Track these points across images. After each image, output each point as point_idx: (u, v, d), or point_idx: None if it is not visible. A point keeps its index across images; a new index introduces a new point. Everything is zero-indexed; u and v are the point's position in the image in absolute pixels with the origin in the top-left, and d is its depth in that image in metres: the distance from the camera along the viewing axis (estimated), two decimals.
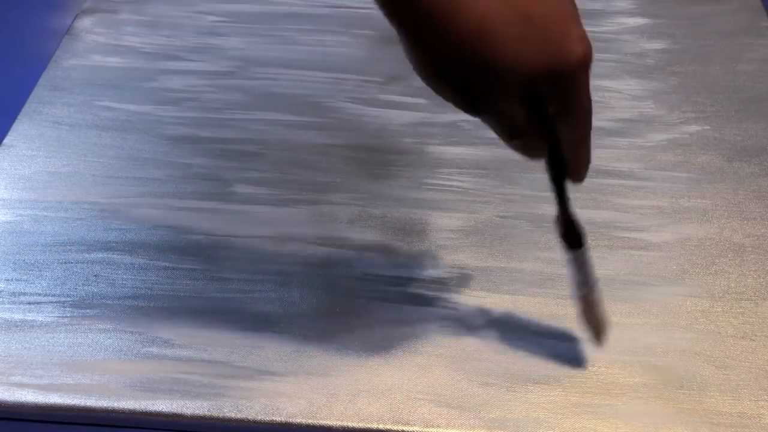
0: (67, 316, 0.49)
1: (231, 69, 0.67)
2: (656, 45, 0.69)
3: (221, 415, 0.44)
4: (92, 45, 0.68)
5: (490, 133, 0.61)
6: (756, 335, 0.48)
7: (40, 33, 0.73)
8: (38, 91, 0.64)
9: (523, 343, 0.48)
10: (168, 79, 0.65)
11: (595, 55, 0.72)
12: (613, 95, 0.65)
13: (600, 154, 0.59)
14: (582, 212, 0.55)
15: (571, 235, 0.44)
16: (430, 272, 0.52)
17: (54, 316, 0.49)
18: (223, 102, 0.64)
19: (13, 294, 0.50)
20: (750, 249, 0.53)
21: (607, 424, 0.44)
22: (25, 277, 0.51)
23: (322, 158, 0.59)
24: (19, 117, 0.62)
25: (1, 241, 0.53)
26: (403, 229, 0.54)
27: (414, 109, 0.63)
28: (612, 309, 0.50)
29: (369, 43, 0.69)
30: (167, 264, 0.52)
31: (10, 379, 0.46)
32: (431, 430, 0.44)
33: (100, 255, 0.52)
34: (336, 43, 0.69)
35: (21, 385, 0.45)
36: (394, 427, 0.44)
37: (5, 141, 0.60)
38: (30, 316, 0.49)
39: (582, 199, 0.56)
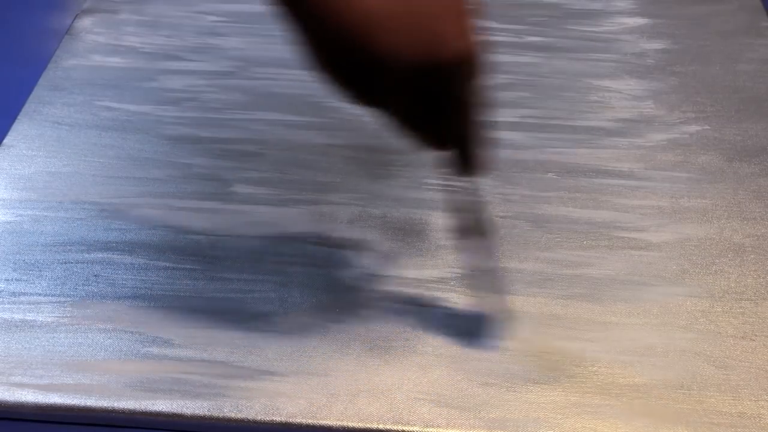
0: (67, 316, 0.49)
1: (231, 69, 0.67)
2: (656, 45, 0.69)
3: (221, 415, 0.44)
4: (92, 45, 0.68)
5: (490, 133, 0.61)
6: (756, 335, 0.48)
7: (40, 33, 0.73)
8: (38, 91, 0.64)
9: (523, 343, 0.48)
10: (168, 79, 0.65)
11: (595, 55, 0.72)
12: (613, 95, 0.65)
13: (600, 154, 0.60)
14: (582, 212, 0.56)
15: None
16: (430, 272, 0.52)
17: (54, 316, 0.49)
18: (223, 102, 0.64)
19: (13, 294, 0.50)
20: (750, 249, 0.53)
21: (607, 424, 0.44)
22: (25, 277, 0.51)
23: (322, 158, 0.59)
24: (19, 117, 0.62)
25: (1, 241, 0.53)
26: (403, 229, 0.54)
27: None
28: (612, 309, 0.50)
29: None
30: (167, 264, 0.52)
31: (10, 379, 0.46)
32: (431, 430, 0.44)
33: (100, 255, 0.52)
34: None
35: (21, 385, 0.45)
36: (394, 427, 0.44)
37: (5, 141, 0.60)
38: (30, 316, 0.49)
39: (582, 199, 0.56)
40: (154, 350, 0.47)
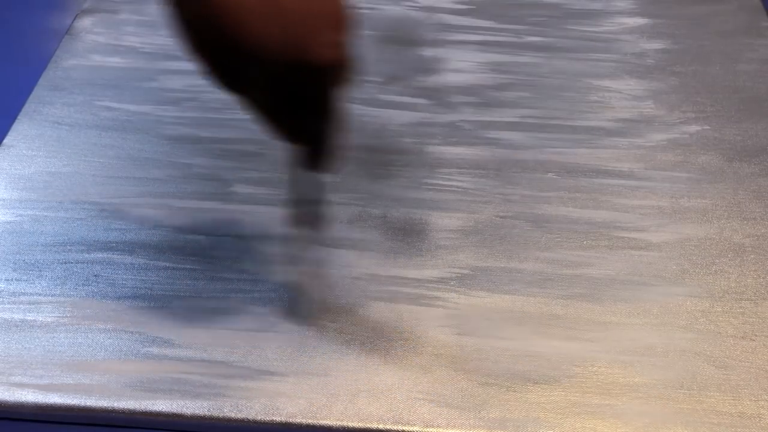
0: (67, 316, 0.49)
1: None
2: (656, 45, 0.69)
3: (221, 415, 0.45)
4: (92, 45, 0.68)
5: (490, 134, 0.61)
6: (756, 335, 0.48)
7: (40, 33, 0.73)
8: (38, 91, 0.64)
9: (523, 343, 0.48)
10: (168, 79, 0.65)
11: (595, 55, 0.72)
12: (613, 95, 0.65)
13: (600, 154, 0.60)
14: (582, 212, 0.56)
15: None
16: (430, 272, 0.52)
17: (54, 316, 0.49)
18: (223, 102, 0.63)
19: (13, 294, 0.50)
20: (750, 249, 0.53)
21: (607, 424, 0.44)
22: (25, 277, 0.51)
23: None
24: (19, 117, 0.62)
25: (1, 241, 0.53)
26: (403, 229, 0.54)
27: (414, 109, 0.63)
28: (612, 309, 0.50)
29: (369, 43, 0.69)
30: (167, 264, 0.52)
31: (10, 379, 0.46)
32: (431, 430, 0.44)
33: (100, 255, 0.52)
34: None
35: (21, 385, 0.45)
36: (394, 427, 0.44)
37: (5, 141, 0.60)
38: (30, 316, 0.49)
39: (582, 199, 0.56)
40: (154, 350, 0.47)
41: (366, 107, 0.63)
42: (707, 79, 0.66)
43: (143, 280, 0.51)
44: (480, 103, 0.64)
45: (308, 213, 0.48)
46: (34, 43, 0.71)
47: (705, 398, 0.45)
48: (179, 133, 0.61)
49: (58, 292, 0.50)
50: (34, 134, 0.60)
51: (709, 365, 0.47)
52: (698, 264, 0.52)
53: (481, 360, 0.47)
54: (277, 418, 0.44)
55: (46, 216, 0.55)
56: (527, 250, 0.53)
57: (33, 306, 0.49)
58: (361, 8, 0.73)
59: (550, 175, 0.58)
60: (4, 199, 0.56)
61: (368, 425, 0.44)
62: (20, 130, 0.61)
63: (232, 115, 0.62)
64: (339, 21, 0.38)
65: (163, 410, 0.45)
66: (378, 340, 0.48)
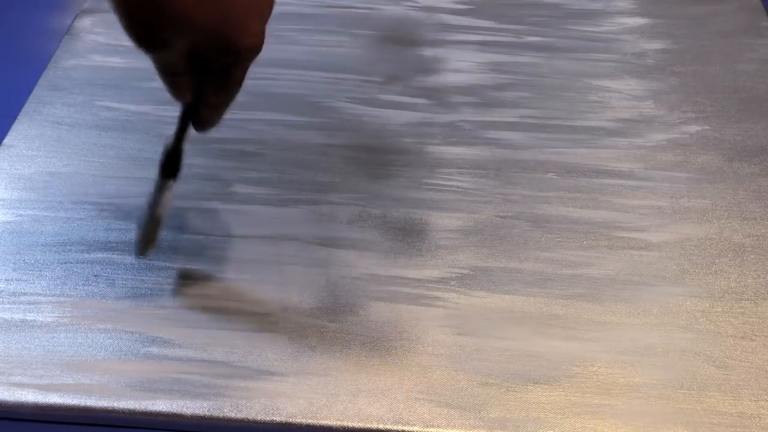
0: (67, 316, 0.49)
1: None
2: (656, 45, 0.69)
3: (221, 415, 0.45)
4: (92, 45, 0.68)
5: (490, 134, 0.61)
6: (756, 335, 0.48)
7: (40, 33, 0.73)
8: (38, 91, 0.64)
9: (523, 343, 0.48)
10: None
11: (595, 55, 0.73)
12: (613, 95, 0.65)
13: (600, 154, 0.60)
14: (582, 212, 0.56)
15: (170, 166, 0.49)
16: (430, 272, 0.52)
17: (54, 316, 0.49)
18: None
19: (13, 294, 0.50)
20: (750, 249, 0.53)
21: (607, 424, 0.44)
22: (25, 277, 0.51)
23: (321, 158, 0.59)
24: (19, 117, 0.62)
25: (1, 241, 0.53)
26: (403, 229, 0.54)
27: (414, 109, 0.63)
28: (612, 309, 0.50)
29: (369, 43, 0.69)
30: (167, 264, 0.52)
31: (10, 379, 0.46)
32: (431, 430, 0.44)
33: (100, 255, 0.52)
34: (336, 43, 0.69)
35: (21, 385, 0.45)
36: (394, 427, 0.44)
37: (5, 141, 0.60)
38: (30, 316, 0.49)
39: (582, 199, 0.56)
40: (154, 350, 0.47)
41: (366, 107, 0.63)
42: (707, 79, 0.66)
43: (143, 280, 0.51)
44: (480, 103, 0.64)
45: (168, 160, 0.49)
46: (34, 43, 0.71)
47: (705, 398, 0.45)
48: None
49: (58, 292, 0.50)
50: (34, 134, 0.60)
51: (709, 365, 0.47)
52: (698, 264, 0.52)
53: (481, 360, 0.47)
54: (277, 418, 0.44)
55: (46, 216, 0.55)
56: (527, 250, 0.53)
57: (33, 306, 0.49)
58: (361, 8, 0.73)
59: (550, 175, 0.58)
60: (4, 199, 0.56)
61: (368, 425, 0.44)
62: (20, 130, 0.61)
63: (232, 115, 0.62)
64: (265, 10, 0.41)
65: (163, 410, 0.45)
66: (378, 340, 0.48)
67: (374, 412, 0.45)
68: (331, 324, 0.49)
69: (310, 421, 0.44)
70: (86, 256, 0.52)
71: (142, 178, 0.57)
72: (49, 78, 0.65)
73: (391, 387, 0.46)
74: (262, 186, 0.57)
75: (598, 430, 0.44)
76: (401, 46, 0.69)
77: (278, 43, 0.70)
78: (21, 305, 0.49)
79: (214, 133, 0.61)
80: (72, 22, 0.71)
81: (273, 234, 0.54)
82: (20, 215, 0.55)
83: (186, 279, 0.51)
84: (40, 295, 0.50)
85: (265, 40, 0.42)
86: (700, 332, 0.48)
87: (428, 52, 0.68)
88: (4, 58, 0.69)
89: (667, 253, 0.53)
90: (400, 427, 0.44)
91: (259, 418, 0.44)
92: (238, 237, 0.53)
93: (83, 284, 0.51)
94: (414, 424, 0.44)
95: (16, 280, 0.51)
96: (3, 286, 0.50)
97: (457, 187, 0.57)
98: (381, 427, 0.44)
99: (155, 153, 0.59)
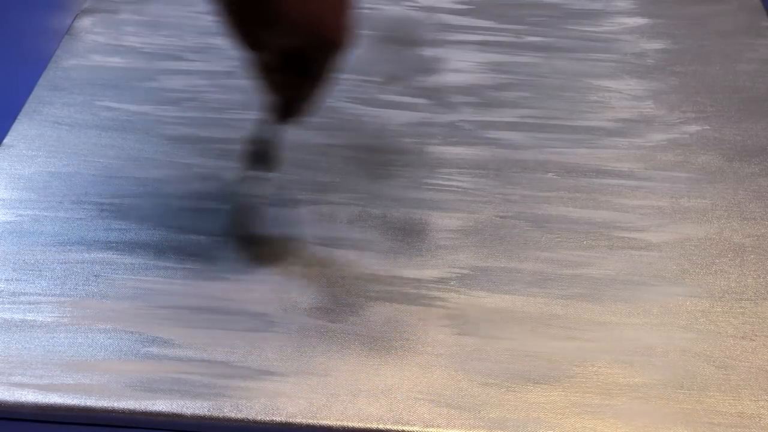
0: (67, 316, 0.49)
1: (231, 69, 0.67)
2: (656, 45, 0.69)
3: (221, 415, 0.45)
4: (92, 45, 0.68)
5: (490, 134, 0.61)
6: (756, 335, 0.48)
7: (40, 33, 0.73)
8: (38, 91, 0.64)
9: (523, 343, 0.48)
10: (168, 79, 0.65)
11: (595, 55, 0.73)
12: (613, 95, 0.65)
13: (600, 154, 0.60)
14: (582, 212, 0.56)
15: (265, 159, 0.51)
16: (430, 272, 0.52)
17: (54, 316, 0.49)
18: (223, 102, 0.64)
19: (13, 294, 0.50)
20: (750, 249, 0.53)
21: (607, 424, 0.44)
22: (25, 277, 0.51)
23: (322, 158, 0.59)
24: (19, 117, 0.62)
25: (1, 241, 0.53)
26: (403, 229, 0.54)
27: (414, 109, 0.63)
28: (612, 309, 0.50)
29: (369, 43, 0.69)
30: (167, 264, 0.52)
31: (10, 379, 0.46)
32: (431, 430, 0.44)
33: (100, 255, 0.52)
34: None
35: (21, 385, 0.45)
36: (394, 427, 0.44)
37: (5, 141, 0.60)
38: (30, 316, 0.49)
39: (582, 199, 0.56)
40: (154, 350, 0.47)
41: (366, 107, 0.63)
42: (707, 79, 0.66)
43: (143, 280, 0.51)
44: (480, 103, 0.64)
45: (262, 153, 0.51)
46: (34, 43, 0.71)
47: (705, 398, 0.45)
48: (179, 133, 0.61)
49: (58, 292, 0.50)
50: (34, 134, 0.60)
51: (709, 365, 0.47)
52: (698, 264, 0.52)
53: (481, 360, 0.47)
54: (277, 418, 0.44)
55: (46, 216, 0.55)
56: (527, 250, 0.53)
57: (33, 306, 0.49)
58: (361, 8, 0.73)
59: (550, 175, 0.58)
60: (4, 199, 0.56)
61: (368, 425, 0.44)
62: (20, 130, 0.61)
63: (232, 115, 0.63)
64: (350, 6, 0.44)
65: (163, 410, 0.45)
66: (378, 340, 0.48)
67: (374, 412, 0.45)
68: (331, 324, 0.49)
69: (310, 421, 0.44)
70: (86, 256, 0.52)
71: (142, 178, 0.57)
72: (49, 78, 0.65)
73: (391, 387, 0.46)
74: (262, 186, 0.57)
75: (598, 430, 0.44)
76: (401, 46, 0.69)
77: None
78: (21, 305, 0.49)
79: (214, 133, 0.62)
80: (72, 22, 0.71)
81: (273, 234, 0.54)
82: (20, 215, 0.55)
83: (186, 279, 0.51)
84: (40, 295, 0.50)
85: None
86: (700, 332, 0.48)
87: (428, 52, 0.68)
88: (4, 58, 0.69)
89: (667, 253, 0.53)
90: (400, 427, 0.44)
91: (259, 418, 0.44)
92: (238, 237, 0.53)
93: (83, 284, 0.51)
94: (414, 424, 0.44)
95: (16, 280, 0.51)
96: (3, 286, 0.50)
97: (457, 187, 0.57)
98: (381, 427, 0.44)
99: (155, 153, 0.60)
